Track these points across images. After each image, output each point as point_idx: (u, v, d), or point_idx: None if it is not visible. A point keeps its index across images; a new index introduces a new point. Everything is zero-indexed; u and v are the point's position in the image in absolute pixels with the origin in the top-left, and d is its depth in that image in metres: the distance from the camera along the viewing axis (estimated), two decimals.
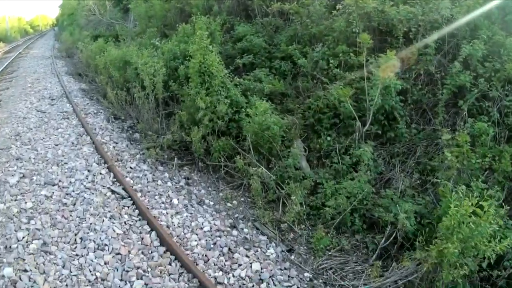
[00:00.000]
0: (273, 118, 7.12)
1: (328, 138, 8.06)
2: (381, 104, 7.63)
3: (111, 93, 10.12)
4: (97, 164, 7.52)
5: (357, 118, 7.57)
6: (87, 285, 4.51)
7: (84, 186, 6.63)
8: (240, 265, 5.13)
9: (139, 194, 6.50)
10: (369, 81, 7.92)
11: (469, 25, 8.44)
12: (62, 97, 12.37)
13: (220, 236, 5.66)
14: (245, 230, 5.95)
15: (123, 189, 6.59)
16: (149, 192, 6.69)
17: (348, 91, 7.18)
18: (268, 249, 5.57)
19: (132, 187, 6.74)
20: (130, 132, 9.49)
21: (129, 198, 6.33)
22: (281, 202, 6.82)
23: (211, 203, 6.90)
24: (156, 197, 6.54)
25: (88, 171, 7.15)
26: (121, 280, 4.63)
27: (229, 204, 6.88)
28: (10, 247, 4.94)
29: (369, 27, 9.26)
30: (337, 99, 8.12)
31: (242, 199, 7.12)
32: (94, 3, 25.80)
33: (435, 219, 6.07)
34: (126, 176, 7.09)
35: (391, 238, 6.11)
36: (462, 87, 7.82)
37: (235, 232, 5.87)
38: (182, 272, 4.89)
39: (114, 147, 8.41)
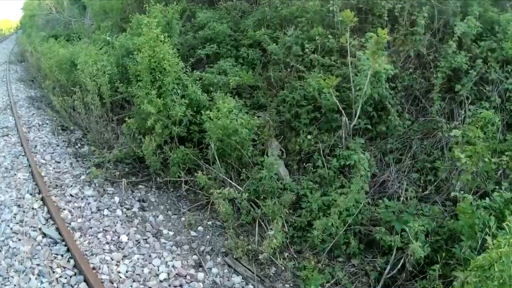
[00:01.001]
0: (240, 119, 5.55)
1: (309, 137, 6.56)
2: (369, 93, 6.12)
3: (56, 100, 8.37)
4: (31, 194, 5.85)
5: (342, 112, 6.04)
6: None
7: (11, 229, 4.99)
8: None
9: (77, 235, 4.92)
10: (354, 67, 6.42)
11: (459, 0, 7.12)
12: (6, 108, 10.50)
13: (181, 286, 4.13)
14: (214, 270, 4.49)
15: (57, 229, 4.96)
16: (91, 228, 5.12)
17: (332, 81, 5.65)
18: None
19: (70, 224, 5.10)
20: (78, 145, 7.79)
21: (63, 243, 4.70)
22: (257, 224, 5.29)
23: (171, 233, 5.36)
24: (100, 235, 4.98)
25: (18, 206, 5.50)
26: None
27: (193, 233, 5.33)
28: None
29: (347, 5, 7.71)
30: (316, 89, 6.59)
31: (209, 222, 5.59)
32: (52, 2, 23.54)
33: (449, 239, 4.71)
34: (64, 209, 5.46)
35: (398, 265, 4.67)
36: (457, 69, 6.66)
37: (201, 276, 4.38)
38: None
39: (54, 168, 6.76)
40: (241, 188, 5.49)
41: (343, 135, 6.20)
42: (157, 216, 5.72)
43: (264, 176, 5.31)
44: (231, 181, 5.69)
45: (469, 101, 6.51)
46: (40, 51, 13.51)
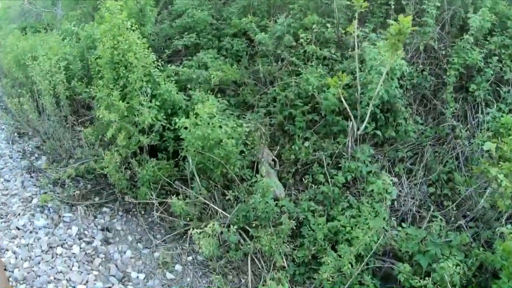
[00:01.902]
0: (225, 127, 4.25)
1: (306, 143, 5.30)
2: (381, 94, 4.92)
3: (10, 101, 6.88)
4: None
5: (351, 116, 4.80)
6: None
7: None
8: None
9: None
10: (360, 62, 5.21)
11: None
12: None
13: None
14: None
15: None
16: (38, 277, 3.77)
17: (343, 78, 4.39)
18: None
19: (12, 273, 3.81)
20: (35, 156, 6.34)
21: None
22: (249, 259, 4.04)
23: (141, 276, 4.08)
24: (51, 286, 3.61)
25: None
26: None
27: (169, 275, 4.04)
28: None
29: None
30: (315, 87, 5.33)
31: (190, 258, 4.32)
32: None
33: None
34: (7, 250, 4.09)
35: None
36: (469, 67, 5.70)
37: None
38: None
39: (1, 190, 5.28)
40: (228, 215, 4.22)
41: (349, 143, 4.95)
42: (124, 252, 4.42)
43: (257, 201, 4.03)
44: (214, 205, 4.40)
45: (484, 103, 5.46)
46: (2, 45, 11.80)
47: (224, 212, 4.30)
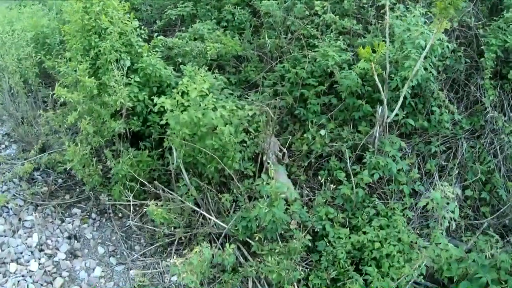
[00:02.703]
0: (221, 109, 3.13)
1: (322, 132, 4.17)
2: (420, 76, 3.78)
3: None
4: None
5: (384, 99, 3.67)
6: None
7: None
8: None
9: None
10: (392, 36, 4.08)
11: None
12: None
13: None
14: None
15: None
16: None
17: (378, 48, 3.25)
18: None
19: None
20: (5, 144, 5.21)
21: None
22: (250, 284, 2.97)
23: None
24: None
25: None
26: None
27: None
28: None
29: None
30: (333, 61, 4.19)
31: (174, 277, 3.23)
32: None
33: None
34: None
35: None
36: (508, 51, 4.60)
37: None
38: None
39: None
40: (224, 225, 3.13)
41: (376, 133, 3.83)
42: (93, 270, 3.38)
43: (261, 212, 2.92)
44: (205, 213, 3.31)
45: None
46: None
47: (218, 222, 3.21)
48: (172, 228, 3.44)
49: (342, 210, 3.57)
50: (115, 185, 3.75)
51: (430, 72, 4.13)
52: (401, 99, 3.86)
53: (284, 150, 4.23)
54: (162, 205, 3.29)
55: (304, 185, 4.07)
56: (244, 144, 3.73)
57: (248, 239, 3.22)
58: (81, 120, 3.63)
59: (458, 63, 4.66)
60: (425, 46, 3.74)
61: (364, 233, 3.26)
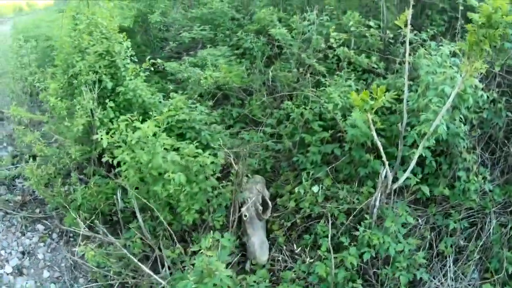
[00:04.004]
0: (173, 154, 2.53)
1: (315, 189, 3.43)
2: (442, 130, 2.96)
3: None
4: None
5: (384, 158, 2.89)
6: None
7: None
8: None
9: None
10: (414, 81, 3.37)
11: None
12: None
13: None
14: None
15: None
16: None
17: (377, 95, 2.52)
18: None
19: None
20: (3, 145, 4.99)
21: None
22: None
23: None
24: None
25: None
26: None
27: None
28: None
29: None
30: (340, 108, 3.50)
31: None
32: None
33: None
34: None
35: None
36: None
37: None
38: None
39: None
40: (162, 281, 2.50)
41: (377, 200, 3.05)
42: None
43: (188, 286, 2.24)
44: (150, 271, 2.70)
45: None
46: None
47: (156, 277, 2.58)
48: (111, 273, 2.88)
49: None
50: (71, 210, 3.30)
51: (459, 126, 3.31)
52: (414, 161, 3.07)
53: (269, 202, 3.54)
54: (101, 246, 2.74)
55: (284, 248, 3.34)
56: (214, 192, 3.09)
57: None
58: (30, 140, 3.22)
59: (497, 117, 3.78)
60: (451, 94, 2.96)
61: None
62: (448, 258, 3.24)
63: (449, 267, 3.18)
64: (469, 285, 3.15)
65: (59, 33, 3.77)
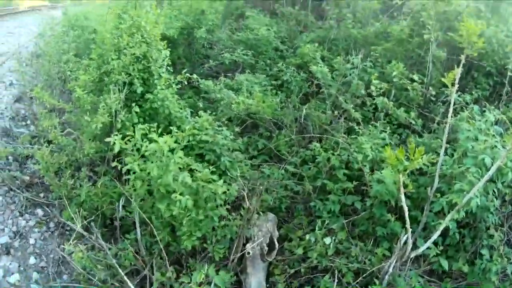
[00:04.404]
0: (185, 174, 2.37)
1: (327, 240, 3.18)
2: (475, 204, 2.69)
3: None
4: None
5: (408, 225, 2.63)
6: None
7: None
8: None
9: None
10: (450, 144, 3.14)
11: None
12: None
13: None
14: None
15: None
16: None
17: (414, 157, 2.28)
18: None
19: None
20: (27, 122, 4.98)
21: None
22: None
23: None
24: None
25: None
26: None
27: None
28: None
29: (449, 44, 4.38)
30: (364, 157, 3.28)
31: None
32: None
33: None
34: None
35: None
36: None
37: None
38: None
39: None
40: None
41: (391, 266, 2.77)
42: (11, 274, 3.03)
43: None
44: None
45: None
46: None
47: None
48: (96, 278, 2.70)
49: None
50: (72, 205, 3.17)
51: (492, 201, 3.02)
52: (438, 232, 2.79)
53: (276, 244, 3.30)
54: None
55: None
56: (220, 222, 2.89)
57: None
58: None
59: None
60: (491, 166, 2.70)
61: None
62: None
63: None
64: None
65: (102, 29, 3.74)
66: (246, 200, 2.78)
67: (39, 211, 3.70)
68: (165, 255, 2.70)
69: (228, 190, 2.68)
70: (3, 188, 3.75)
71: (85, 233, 2.93)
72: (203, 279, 2.08)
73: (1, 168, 3.92)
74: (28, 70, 5.46)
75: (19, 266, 3.12)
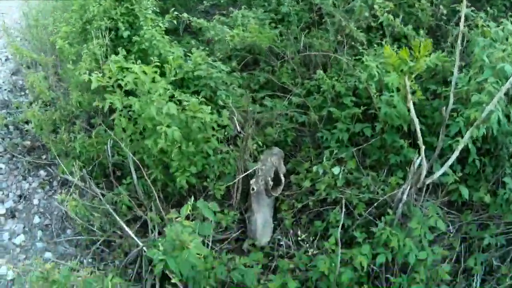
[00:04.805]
0: (170, 105, 2.17)
1: (336, 170, 2.96)
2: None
3: None
4: None
5: (421, 144, 2.36)
6: None
7: None
8: None
9: None
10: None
11: None
12: None
13: None
14: None
15: None
16: None
17: (419, 51, 1.99)
18: None
19: None
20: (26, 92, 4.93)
21: None
22: None
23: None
24: None
25: None
26: None
27: None
28: None
29: None
30: (376, 80, 2.99)
31: None
32: None
33: None
34: None
35: None
36: None
37: None
38: None
39: None
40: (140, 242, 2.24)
41: (405, 193, 2.55)
42: (17, 235, 3.13)
43: (156, 258, 1.91)
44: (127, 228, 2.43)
45: None
46: None
47: (136, 239, 2.29)
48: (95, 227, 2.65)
49: None
50: (68, 159, 3.10)
51: None
52: (456, 153, 2.53)
53: (282, 179, 3.13)
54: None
55: (290, 232, 2.93)
56: (217, 156, 2.72)
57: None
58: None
59: None
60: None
61: None
62: (475, 277, 2.67)
63: None
64: None
65: None
66: (237, 126, 2.57)
67: (42, 172, 3.70)
68: (162, 196, 2.58)
69: (218, 120, 2.47)
70: (6, 156, 3.76)
71: (81, 184, 2.84)
72: (190, 211, 1.92)
73: (3, 138, 3.92)
74: (22, 44, 5.36)
75: (24, 227, 3.19)
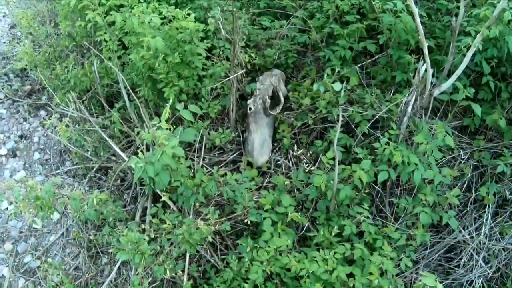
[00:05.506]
0: (152, 16, 1.99)
1: (337, 86, 2.84)
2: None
3: None
4: None
5: (425, 53, 2.17)
6: None
7: None
8: None
9: None
10: None
11: None
12: None
13: None
14: None
15: None
16: None
17: None
18: None
19: None
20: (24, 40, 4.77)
21: None
22: None
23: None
24: None
25: None
26: None
27: None
28: None
29: None
30: None
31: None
32: None
33: None
34: None
35: None
36: None
37: None
38: None
39: None
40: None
41: (407, 106, 2.37)
42: (17, 172, 3.17)
43: (137, 167, 1.83)
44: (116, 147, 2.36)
45: None
46: None
47: (123, 156, 2.23)
48: (89, 153, 2.60)
49: (307, 209, 2.31)
50: (63, 91, 3.04)
51: None
52: (466, 60, 2.29)
53: (282, 98, 2.96)
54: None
55: (290, 153, 2.82)
56: (207, 71, 2.56)
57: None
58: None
59: None
60: None
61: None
62: (487, 209, 2.53)
63: (486, 220, 2.50)
64: (504, 249, 2.48)
65: None
66: (222, 30, 2.36)
67: (42, 112, 3.72)
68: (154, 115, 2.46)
69: (199, 27, 2.25)
70: (7, 102, 3.76)
71: (76, 114, 2.75)
72: (168, 113, 1.79)
73: (2, 86, 3.88)
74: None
75: (24, 164, 3.24)
